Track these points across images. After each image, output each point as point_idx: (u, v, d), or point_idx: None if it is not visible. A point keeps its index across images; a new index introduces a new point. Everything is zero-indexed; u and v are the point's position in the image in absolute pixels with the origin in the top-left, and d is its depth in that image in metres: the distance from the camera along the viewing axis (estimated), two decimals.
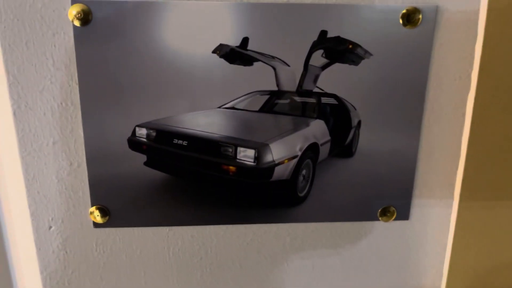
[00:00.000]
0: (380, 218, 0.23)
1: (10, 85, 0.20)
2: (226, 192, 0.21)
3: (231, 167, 0.21)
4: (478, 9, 0.20)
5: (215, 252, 0.23)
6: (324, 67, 0.20)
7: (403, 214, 0.23)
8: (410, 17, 0.20)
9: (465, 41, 0.20)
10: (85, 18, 0.19)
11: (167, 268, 0.23)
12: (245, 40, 0.20)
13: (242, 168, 0.21)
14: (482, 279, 0.23)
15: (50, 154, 0.21)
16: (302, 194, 0.22)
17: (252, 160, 0.21)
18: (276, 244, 0.23)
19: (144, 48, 0.19)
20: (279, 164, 0.21)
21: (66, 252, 0.22)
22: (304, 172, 0.22)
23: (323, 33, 0.20)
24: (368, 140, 0.21)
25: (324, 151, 0.22)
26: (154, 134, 0.21)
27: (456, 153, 0.22)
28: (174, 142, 0.21)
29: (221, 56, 0.20)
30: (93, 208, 0.22)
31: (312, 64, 0.20)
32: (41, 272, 0.23)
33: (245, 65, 0.20)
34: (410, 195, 0.23)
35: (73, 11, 0.19)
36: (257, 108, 0.21)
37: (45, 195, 0.21)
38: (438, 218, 0.23)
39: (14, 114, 0.20)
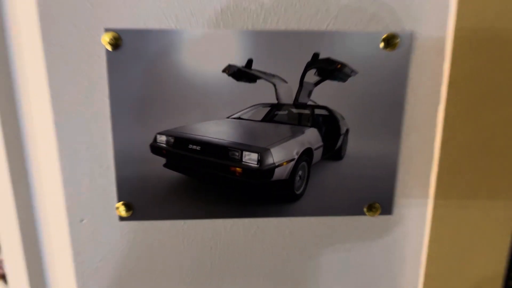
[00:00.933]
0: (366, 213, 0.26)
1: (53, 99, 0.23)
2: (233, 190, 0.25)
3: (237, 169, 0.24)
4: (445, 35, 0.23)
5: (223, 243, 0.26)
6: (316, 83, 0.24)
7: (387, 209, 0.26)
8: (389, 41, 0.23)
9: (436, 62, 0.23)
10: (116, 43, 0.22)
11: (182, 256, 0.26)
12: (249, 61, 0.23)
13: (247, 169, 0.24)
14: (457, 264, 0.26)
15: (84, 157, 0.24)
16: (298, 192, 0.25)
17: (256, 163, 0.24)
18: (276, 236, 0.26)
19: (165, 68, 0.23)
20: (278, 166, 0.24)
21: (95, 242, 0.26)
22: (300, 173, 0.25)
23: (316, 55, 0.23)
24: (355, 145, 0.25)
25: (317, 155, 0.25)
26: (172, 140, 0.24)
27: (430, 157, 0.25)
28: (189, 147, 0.24)
29: (229, 75, 0.23)
30: (119, 204, 0.25)
31: (306, 81, 0.23)
32: (74, 260, 0.26)
33: (249, 82, 0.23)
34: (392, 193, 0.26)
35: (106, 37, 0.22)
36: (260, 118, 0.24)
37: (78, 193, 0.25)
38: (416, 213, 0.26)
39: (55, 124, 0.24)
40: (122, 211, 0.25)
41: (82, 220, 0.25)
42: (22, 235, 0.27)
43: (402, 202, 0.26)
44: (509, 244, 0.26)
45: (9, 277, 0.30)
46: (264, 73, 0.23)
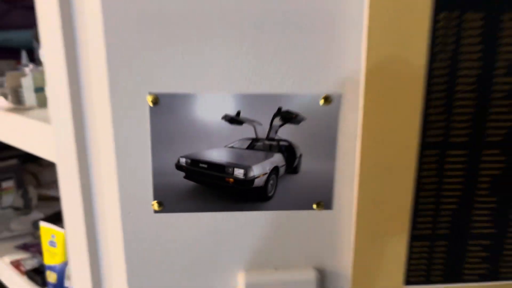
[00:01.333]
0: (315, 208, 0.39)
1: (116, 144, 0.36)
2: (228, 193, 0.38)
3: (230, 179, 0.37)
4: (358, 95, 0.37)
5: (220, 229, 0.39)
6: (281, 125, 0.37)
7: (328, 206, 0.40)
8: (327, 99, 0.37)
9: (354, 112, 0.37)
10: (156, 101, 0.36)
11: (193, 236, 0.39)
12: (238, 112, 0.36)
13: (237, 179, 0.37)
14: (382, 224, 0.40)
15: (132, 170, 0.37)
16: (270, 194, 0.39)
17: (242, 175, 0.37)
18: (257, 223, 0.39)
19: (186, 118, 0.36)
20: (257, 177, 0.37)
21: (137, 227, 0.38)
22: (271, 182, 0.38)
23: (280, 108, 0.37)
24: (306, 164, 0.38)
25: (282, 170, 0.38)
26: (189, 161, 0.37)
27: (353, 170, 0.38)
28: (200, 165, 0.37)
29: (226, 121, 0.36)
30: (154, 202, 0.38)
31: (274, 124, 0.37)
32: (124, 244, 0.39)
33: (238, 125, 0.36)
34: (332, 196, 0.39)
35: (149, 98, 0.36)
36: (245, 147, 0.38)
37: (127, 194, 0.37)
38: (347, 208, 0.40)
39: (116, 156, 0.36)
40: (156, 206, 0.38)
41: (129, 213, 0.38)
42: (85, 224, 0.40)
43: (338, 202, 0.39)
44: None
45: (71, 256, 0.43)
46: (248, 119, 0.36)
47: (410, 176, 0.37)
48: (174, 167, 0.37)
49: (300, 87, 0.36)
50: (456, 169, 0.38)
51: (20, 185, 1.22)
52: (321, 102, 0.36)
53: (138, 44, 0.34)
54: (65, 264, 0.82)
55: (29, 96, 0.75)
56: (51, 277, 0.83)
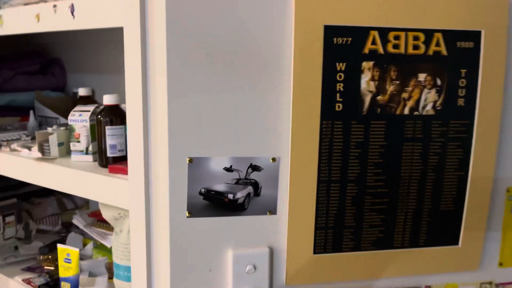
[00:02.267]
0: (268, 214, 0.76)
1: (170, 185, 0.70)
2: (226, 207, 0.73)
3: (226, 199, 0.73)
4: (288, 157, 0.75)
5: (220, 225, 0.74)
6: (251, 172, 0.74)
7: (274, 213, 0.76)
8: (273, 159, 0.74)
9: (286, 167, 0.75)
10: (191, 161, 0.71)
11: (207, 232, 0.74)
12: (231, 166, 0.73)
13: (229, 199, 0.73)
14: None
15: (177, 195, 0.71)
16: (246, 207, 0.74)
17: (232, 197, 0.73)
18: (239, 221, 0.75)
19: (205, 168, 0.72)
20: (239, 198, 0.73)
21: (178, 225, 0.72)
22: (246, 200, 0.74)
23: (251, 163, 0.73)
24: (263, 191, 0.74)
25: (251, 195, 0.74)
26: (205, 190, 0.72)
27: (287, 195, 0.75)
28: (211, 192, 0.73)
29: (225, 170, 0.72)
30: (187, 212, 0.72)
31: (248, 171, 0.73)
32: (170, 242, 0.72)
33: (231, 172, 0.73)
34: (276, 207, 0.76)
35: (188, 159, 0.71)
36: (234, 183, 0.74)
37: (174, 209, 0.71)
38: (285, 214, 0.76)
39: (170, 192, 0.71)
40: (187, 214, 0.72)
41: (175, 219, 0.72)
42: (146, 223, 0.73)
43: (279, 211, 0.76)
44: None
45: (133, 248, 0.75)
46: (235, 169, 0.73)
47: (313, 207, 0.75)
48: (198, 193, 0.72)
49: (261, 153, 0.73)
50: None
51: (19, 220, 1.47)
52: (271, 160, 0.74)
53: (184, 130, 0.70)
54: (77, 275, 1.11)
55: (53, 149, 1.06)
56: (66, 287, 1.11)
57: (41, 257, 1.31)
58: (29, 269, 1.29)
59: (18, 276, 1.24)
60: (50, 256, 1.30)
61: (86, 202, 1.56)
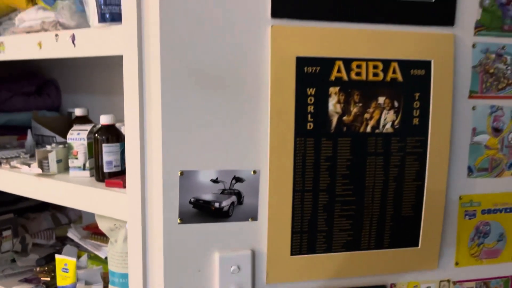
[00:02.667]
0: (250, 220, 0.85)
1: (164, 195, 0.80)
2: (212, 215, 0.83)
3: (213, 208, 0.83)
4: (267, 169, 0.85)
5: (208, 230, 0.83)
6: (235, 183, 0.84)
7: (256, 219, 0.86)
8: (254, 172, 0.84)
9: (265, 180, 0.85)
10: (182, 173, 0.81)
11: (200, 234, 0.83)
12: (217, 178, 0.83)
13: (216, 208, 0.82)
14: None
15: (170, 204, 0.81)
16: (230, 214, 0.84)
17: (218, 206, 0.83)
18: (224, 228, 0.84)
19: (194, 180, 0.81)
20: (225, 206, 0.83)
21: (170, 229, 0.81)
22: (231, 208, 0.84)
23: (234, 175, 0.83)
24: (246, 200, 0.84)
25: (235, 203, 0.84)
26: (194, 199, 0.82)
27: (266, 203, 0.86)
28: (199, 201, 0.82)
29: (212, 181, 0.82)
30: (178, 219, 0.81)
31: (232, 182, 0.83)
32: (164, 246, 0.81)
33: (217, 183, 0.83)
34: (257, 214, 0.85)
35: (179, 172, 0.81)
36: (220, 193, 0.83)
37: (168, 217, 0.81)
38: (265, 220, 0.86)
39: (163, 201, 0.80)
40: (179, 220, 0.81)
41: (168, 224, 0.81)
42: (142, 230, 0.82)
43: (260, 218, 0.86)
44: None
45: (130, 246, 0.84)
46: (221, 180, 0.83)
47: (289, 216, 0.86)
48: (188, 202, 0.82)
49: (243, 166, 0.83)
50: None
51: (16, 234, 1.53)
52: (252, 173, 0.84)
53: (176, 147, 0.80)
54: (74, 284, 1.19)
55: (52, 166, 1.15)
56: None
57: (38, 269, 1.37)
58: (26, 280, 1.36)
59: (16, 287, 1.30)
60: (46, 268, 1.37)
61: (80, 217, 1.63)
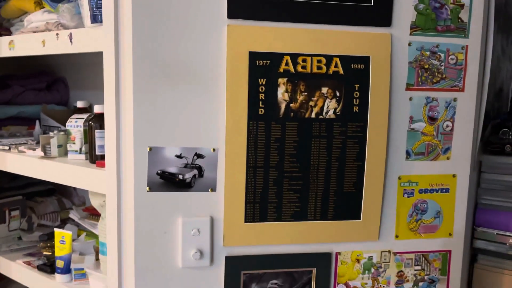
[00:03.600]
0: (210, 191, 0.98)
1: (135, 166, 0.94)
2: (179, 185, 0.96)
3: (177, 179, 0.96)
4: (224, 148, 0.98)
5: (173, 198, 0.97)
6: (196, 159, 0.97)
7: (214, 190, 0.99)
8: (214, 150, 0.98)
9: (222, 155, 0.98)
10: (150, 149, 0.94)
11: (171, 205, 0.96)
12: (181, 154, 0.96)
13: (179, 179, 0.96)
14: None
15: (140, 175, 0.94)
16: (192, 185, 0.97)
17: (182, 177, 0.96)
18: (187, 197, 0.97)
19: (162, 156, 0.95)
20: (187, 178, 0.96)
21: (141, 196, 0.95)
22: (193, 180, 0.97)
23: (196, 152, 0.97)
24: (206, 173, 0.97)
25: (197, 176, 0.97)
26: (161, 171, 0.96)
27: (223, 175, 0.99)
28: (166, 173, 0.96)
29: (176, 157, 0.96)
30: (147, 187, 0.95)
31: (194, 158, 0.97)
32: (135, 210, 0.94)
33: (180, 159, 0.96)
34: (216, 185, 0.98)
35: (149, 148, 0.94)
36: (183, 166, 0.97)
37: (139, 187, 0.94)
38: (222, 190, 0.99)
39: (135, 173, 0.94)
40: (148, 189, 0.95)
41: (139, 191, 0.95)
42: (117, 200, 0.95)
43: (218, 188, 0.99)
44: None
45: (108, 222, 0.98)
46: (184, 156, 0.96)
47: (242, 191, 0.99)
48: (155, 174, 0.95)
49: (204, 144, 0.97)
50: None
51: (23, 214, 1.68)
52: (212, 150, 0.98)
53: (146, 127, 0.94)
54: (70, 254, 1.33)
55: (54, 150, 1.29)
56: (60, 264, 1.32)
57: (41, 244, 1.52)
58: (29, 254, 1.51)
59: (20, 259, 1.46)
60: (48, 244, 1.51)
61: (83, 203, 1.78)
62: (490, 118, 1.41)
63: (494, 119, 1.46)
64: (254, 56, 0.94)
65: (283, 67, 0.96)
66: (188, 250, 0.96)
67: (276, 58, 0.95)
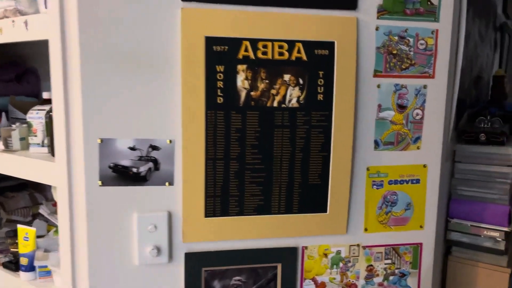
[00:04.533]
0: (167, 185, 0.92)
1: (85, 160, 0.88)
2: (130, 178, 0.90)
3: (130, 172, 0.90)
4: (180, 139, 0.92)
5: (127, 192, 0.91)
6: (151, 151, 0.91)
7: (172, 184, 0.93)
8: (170, 141, 0.92)
9: (179, 148, 0.92)
10: (101, 141, 0.88)
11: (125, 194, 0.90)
12: (134, 146, 0.90)
13: (134, 172, 0.90)
14: None
15: (91, 168, 0.88)
16: (148, 179, 0.91)
17: (136, 171, 0.90)
18: (142, 191, 0.91)
19: (114, 148, 0.89)
20: (142, 171, 0.90)
21: (93, 191, 0.89)
22: (148, 173, 0.91)
23: (151, 144, 0.91)
24: (162, 166, 0.92)
25: (152, 169, 0.91)
26: (114, 164, 0.89)
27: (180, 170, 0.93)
28: (118, 166, 0.90)
29: (129, 149, 0.90)
30: (99, 181, 0.89)
31: (149, 150, 0.91)
32: (87, 205, 0.88)
33: (134, 151, 0.90)
34: (173, 179, 0.93)
35: (99, 140, 0.88)
36: (137, 159, 0.91)
37: (90, 180, 0.88)
38: (180, 185, 0.93)
39: (85, 165, 0.88)
40: (100, 183, 0.89)
41: (91, 186, 0.88)
42: (69, 193, 0.89)
43: (176, 182, 0.93)
44: None
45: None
46: (138, 148, 0.90)
47: (201, 185, 0.92)
48: (107, 167, 0.89)
49: (159, 136, 0.90)
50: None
51: None
52: (168, 142, 0.91)
53: (96, 117, 0.87)
54: (34, 251, 1.26)
55: (16, 143, 1.22)
56: (24, 261, 1.26)
57: (8, 241, 1.46)
58: None
59: None
60: (16, 241, 1.45)
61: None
62: (466, 106, 1.36)
63: (472, 108, 1.41)
64: (210, 42, 0.88)
65: (242, 53, 0.90)
66: (145, 247, 0.91)
67: (234, 43, 0.89)
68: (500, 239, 1.12)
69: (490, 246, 1.13)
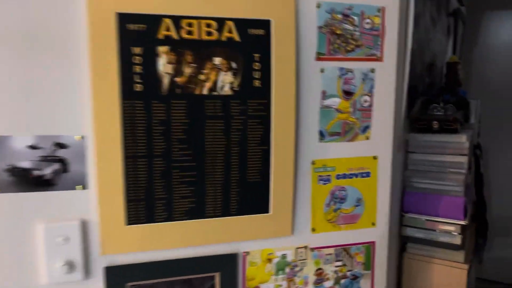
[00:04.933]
0: (77, 189, 0.78)
1: None
2: (32, 182, 0.76)
3: (31, 176, 0.75)
4: (93, 134, 0.78)
5: (28, 204, 0.76)
6: (56, 150, 0.76)
7: (86, 188, 0.79)
8: (82, 137, 0.77)
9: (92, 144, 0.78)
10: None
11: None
12: (35, 145, 0.75)
13: (36, 175, 0.75)
14: None
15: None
16: (54, 182, 0.77)
17: (39, 173, 0.75)
18: (51, 198, 0.77)
19: (8, 147, 0.74)
20: (46, 174, 0.76)
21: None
22: (55, 176, 0.77)
23: (56, 142, 0.76)
24: (73, 167, 0.77)
25: (60, 171, 0.77)
26: (10, 167, 0.74)
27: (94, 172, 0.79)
28: (16, 170, 0.75)
29: (28, 148, 0.75)
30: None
31: (52, 149, 0.76)
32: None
33: (36, 150, 0.75)
34: (88, 183, 0.79)
35: None
36: (41, 160, 0.76)
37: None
38: (95, 187, 0.79)
39: None
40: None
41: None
42: None
43: (90, 185, 0.79)
44: None
45: None
46: (41, 146, 0.75)
47: (120, 177, 0.79)
48: (3, 170, 0.74)
49: (65, 131, 0.76)
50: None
51: None
52: (77, 138, 0.77)
53: None
54: None
55: None
56: None
57: None
58: None
59: None
60: None
61: None
62: (418, 94, 1.29)
63: (425, 95, 1.33)
64: (123, 19, 0.74)
65: (162, 32, 0.77)
66: (54, 263, 0.76)
67: (153, 21, 0.76)
68: (456, 233, 1.05)
69: (446, 241, 1.06)
